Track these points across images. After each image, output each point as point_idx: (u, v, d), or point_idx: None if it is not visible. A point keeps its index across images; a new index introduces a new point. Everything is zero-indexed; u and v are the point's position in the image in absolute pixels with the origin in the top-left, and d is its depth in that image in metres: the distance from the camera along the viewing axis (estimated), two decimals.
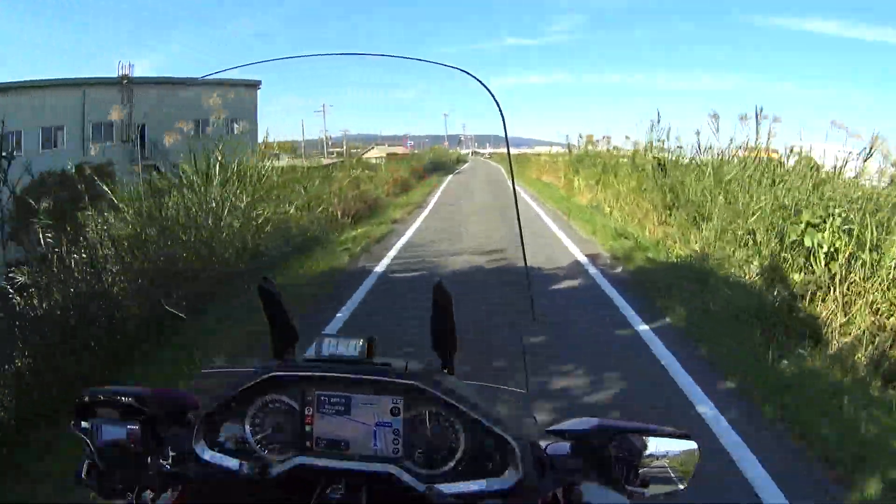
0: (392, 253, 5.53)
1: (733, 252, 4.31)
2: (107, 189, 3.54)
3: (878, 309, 3.12)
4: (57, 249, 2.68)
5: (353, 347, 0.65)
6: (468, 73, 0.79)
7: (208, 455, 0.65)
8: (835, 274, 3.30)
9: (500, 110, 0.79)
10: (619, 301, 3.73)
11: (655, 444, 0.66)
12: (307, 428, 0.65)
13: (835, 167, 4.73)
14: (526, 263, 0.79)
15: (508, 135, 0.83)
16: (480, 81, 0.77)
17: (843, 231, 3.43)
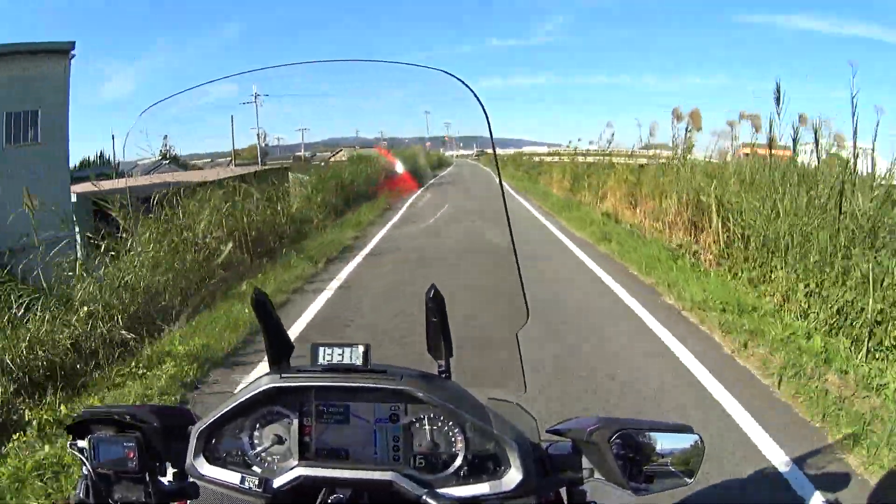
0: None
1: None
2: None
3: None
4: None
5: (350, 355, 1.11)
6: (449, 74, 1.29)
7: (207, 470, 1.08)
8: None
9: (484, 110, 1.29)
10: None
11: (657, 440, 1.11)
12: (307, 438, 1.10)
13: None
14: (515, 252, 1.29)
15: (494, 137, 1.34)
16: (462, 81, 1.27)
17: None
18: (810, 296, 5.79)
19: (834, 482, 3.54)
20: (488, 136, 1.28)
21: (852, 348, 4.96)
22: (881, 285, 5.03)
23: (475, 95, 1.23)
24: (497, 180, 1.44)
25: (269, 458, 1.12)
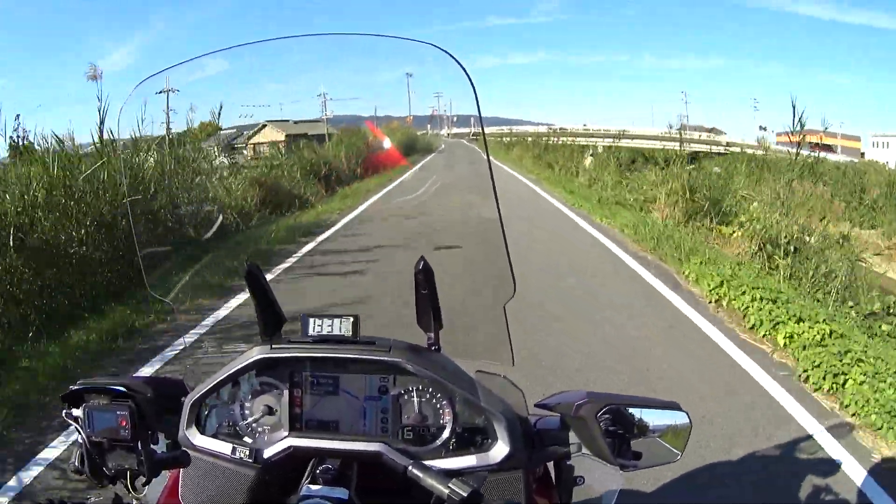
0: None
1: None
2: None
3: None
4: None
5: (339, 326, 1.12)
6: (435, 46, 1.28)
7: (199, 440, 1.10)
8: None
9: (472, 83, 1.25)
10: None
11: (646, 416, 1.13)
12: (297, 409, 1.11)
13: None
14: (501, 222, 1.27)
15: (488, 115, 1.31)
16: (449, 53, 1.25)
17: None
18: None
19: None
20: (486, 113, 1.25)
21: None
22: None
23: (462, 68, 1.20)
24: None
25: (259, 429, 1.14)
